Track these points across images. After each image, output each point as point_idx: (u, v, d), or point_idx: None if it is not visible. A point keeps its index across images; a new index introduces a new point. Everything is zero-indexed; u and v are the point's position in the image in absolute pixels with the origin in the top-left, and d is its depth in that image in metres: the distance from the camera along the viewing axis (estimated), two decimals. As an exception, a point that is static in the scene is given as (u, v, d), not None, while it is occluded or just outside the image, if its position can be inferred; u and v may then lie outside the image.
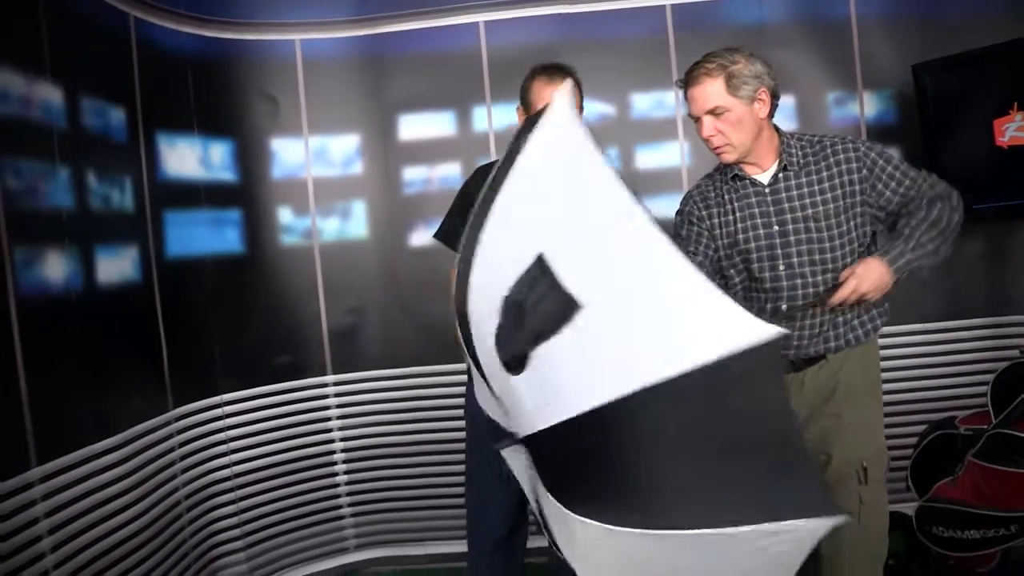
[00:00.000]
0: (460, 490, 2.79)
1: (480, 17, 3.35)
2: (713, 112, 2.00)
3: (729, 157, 2.05)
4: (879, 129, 3.32)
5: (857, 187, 2.02)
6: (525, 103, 2.54)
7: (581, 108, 2.55)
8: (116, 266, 2.67)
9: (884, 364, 3.28)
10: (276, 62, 3.31)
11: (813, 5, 3.29)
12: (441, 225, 2.71)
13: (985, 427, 2.42)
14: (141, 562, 2.60)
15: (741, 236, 2.10)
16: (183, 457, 2.96)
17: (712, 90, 1.99)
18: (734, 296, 2.14)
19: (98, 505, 2.45)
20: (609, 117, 3.37)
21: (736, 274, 2.14)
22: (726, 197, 2.14)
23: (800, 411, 2.11)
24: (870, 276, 1.93)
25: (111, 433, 2.54)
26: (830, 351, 2.09)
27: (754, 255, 2.08)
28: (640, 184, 3.28)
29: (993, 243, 3.29)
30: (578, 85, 2.53)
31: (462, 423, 2.62)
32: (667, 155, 3.36)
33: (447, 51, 3.37)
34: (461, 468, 2.69)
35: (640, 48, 3.32)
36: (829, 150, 2.06)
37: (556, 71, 2.50)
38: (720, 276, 2.17)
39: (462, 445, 2.64)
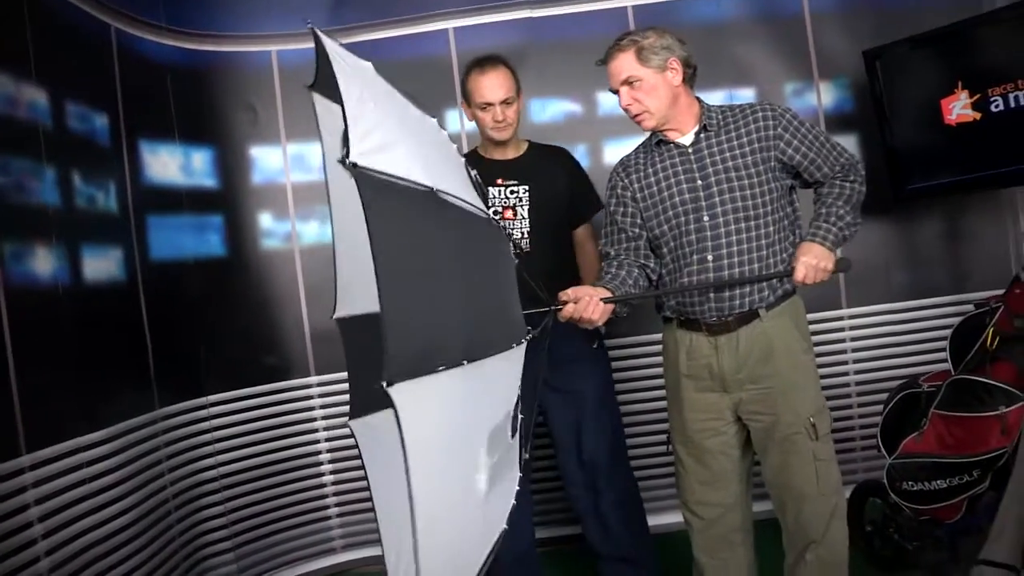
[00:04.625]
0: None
1: (450, 24, 3.49)
2: (628, 83, 2.17)
3: (648, 123, 2.20)
4: (837, 118, 3.46)
5: (772, 142, 2.16)
6: (465, 96, 2.73)
7: (519, 91, 2.71)
8: (102, 265, 2.74)
9: (852, 344, 3.42)
10: (254, 72, 3.42)
11: (768, 1, 3.45)
12: None
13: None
14: (131, 555, 2.64)
15: (666, 194, 2.22)
16: (170, 456, 3.00)
17: (624, 63, 2.16)
18: (657, 260, 2.28)
19: (88, 496, 2.50)
20: (577, 115, 3.49)
21: (660, 235, 2.24)
22: (647, 162, 2.27)
23: (740, 372, 2.18)
24: (810, 254, 2.08)
25: (98, 427, 2.59)
26: (762, 307, 2.16)
27: (680, 208, 2.19)
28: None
29: (949, 221, 3.43)
30: (510, 69, 2.71)
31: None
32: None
33: (419, 57, 3.50)
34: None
35: (604, 48, 3.43)
36: (748, 111, 2.21)
37: (487, 60, 2.71)
38: (643, 241, 2.28)
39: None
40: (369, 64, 1.74)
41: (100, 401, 2.64)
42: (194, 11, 3.29)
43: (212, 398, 3.24)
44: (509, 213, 2.73)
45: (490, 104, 2.64)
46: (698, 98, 2.26)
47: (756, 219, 2.15)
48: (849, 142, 3.44)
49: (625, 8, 3.47)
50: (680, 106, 2.20)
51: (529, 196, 2.73)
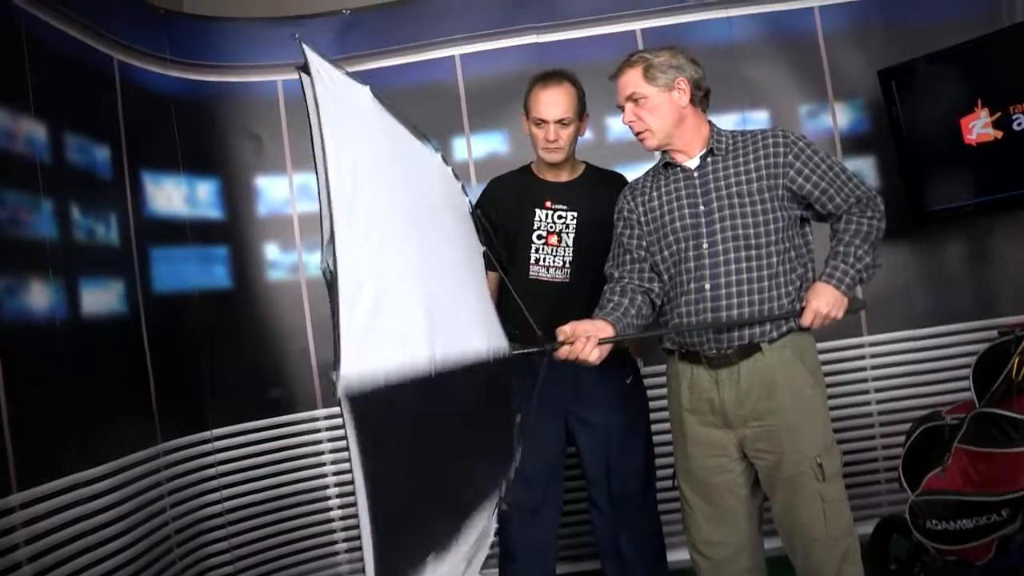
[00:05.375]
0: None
1: (456, 51, 3.45)
2: (632, 99, 2.12)
3: (650, 143, 2.15)
4: (853, 139, 3.37)
5: (782, 169, 2.07)
6: (526, 109, 2.62)
7: (582, 113, 2.61)
8: (102, 298, 2.71)
9: (873, 372, 3.30)
10: (259, 102, 3.40)
11: (780, 22, 3.37)
12: None
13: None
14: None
15: (667, 218, 2.15)
16: (172, 492, 2.95)
17: (631, 79, 2.12)
18: (661, 285, 2.20)
19: (84, 534, 2.44)
20: (587, 141, 3.40)
21: (662, 261, 2.17)
22: (653, 185, 2.22)
23: (743, 407, 2.09)
24: (823, 299, 2.02)
25: (97, 463, 2.54)
26: (763, 340, 2.07)
27: (680, 234, 2.12)
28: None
29: (972, 243, 3.31)
30: (576, 89, 2.60)
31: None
32: (645, 175, 3.42)
33: (425, 85, 3.46)
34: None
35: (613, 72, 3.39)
36: (759, 137, 2.14)
37: (551, 76, 2.60)
38: (648, 264, 2.21)
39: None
40: (366, 89, 1.66)
41: (99, 436, 2.60)
42: (198, 42, 3.29)
43: (217, 432, 3.19)
44: (553, 239, 2.63)
45: (544, 121, 2.53)
46: (710, 122, 2.19)
47: (758, 248, 2.06)
48: (866, 164, 3.35)
49: (634, 31, 3.42)
50: (686, 128, 2.14)
51: (576, 223, 2.62)
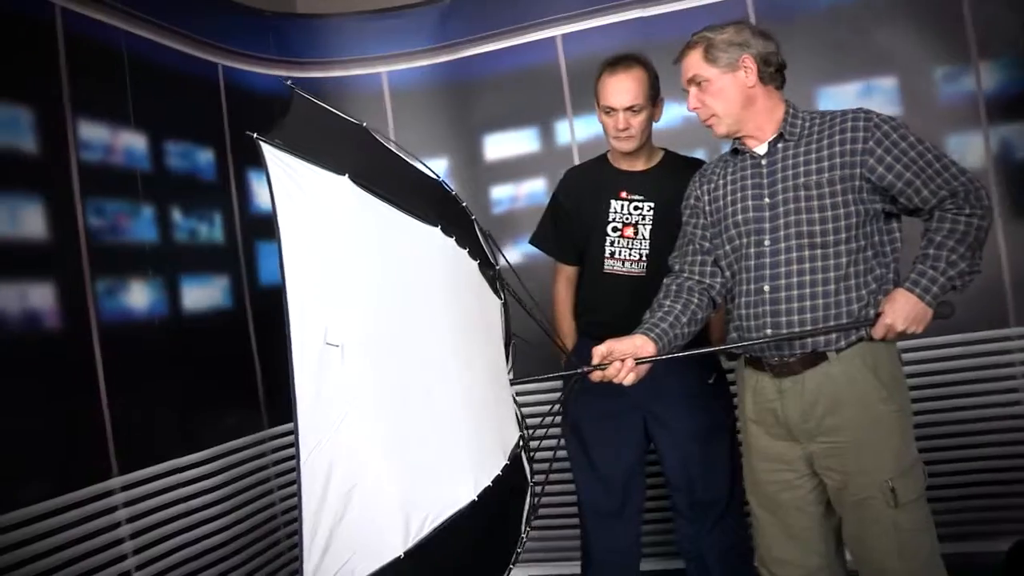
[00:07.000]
0: (562, 511, 2.84)
1: (557, 31, 3.34)
2: (695, 82, 1.94)
3: (720, 129, 1.96)
4: (1002, 104, 2.93)
5: (859, 157, 1.81)
6: (596, 98, 2.51)
7: (655, 98, 2.46)
8: (204, 294, 2.89)
9: (966, 376, 2.94)
10: (364, 95, 3.46)
11: (913, -27, 2.98)
12: (536, 231, 2.74)
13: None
14: (234, 568, 2.78)
15: (729, 210, 1.96)
16: (279, 475, 3.12)
17: (692, 61, 1.94)
18: (724, 281, 2.02)
19: (185, 514, 2.64)
20: (692, 121, 3.18)
21: (724, 256, 1.99)
22: (721, 172, 2.03)
23: (808, 421, 1.87)
24: (900, 312, 1.78)
25: (198, 449, 2.73)
26: (830, 349, 1.85)
27: (742, 228, 1.93)
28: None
29: None
30: (648, 73, 2.45)
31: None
32: (757, 152, 3.16)
33: (527, 68, 3.38)
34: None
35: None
36: (839, 119, 1.88)
37: (619, 61, 2.46)
38: (711, 257, 2.03)
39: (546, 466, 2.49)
40: (343, 179, 1.60)
41: (201, 424, 2.79)
42: (303, 40, 3.40)
43: (325, 417, 3.32)
44: (629, 231, 2.51)
45: (613, 109, 2.42)
46: (787, 101, 1.96)
47: (824, 248, 1.83)
48: (1018, 132, 2.91)
49: (744, -2, 3.15)
50: (757, 109, 1.92)
51: (653, 214, 2.49)
